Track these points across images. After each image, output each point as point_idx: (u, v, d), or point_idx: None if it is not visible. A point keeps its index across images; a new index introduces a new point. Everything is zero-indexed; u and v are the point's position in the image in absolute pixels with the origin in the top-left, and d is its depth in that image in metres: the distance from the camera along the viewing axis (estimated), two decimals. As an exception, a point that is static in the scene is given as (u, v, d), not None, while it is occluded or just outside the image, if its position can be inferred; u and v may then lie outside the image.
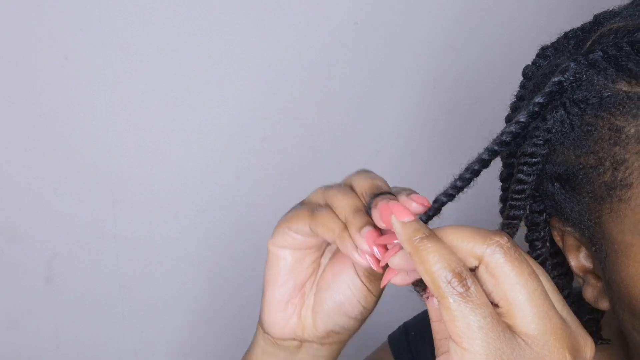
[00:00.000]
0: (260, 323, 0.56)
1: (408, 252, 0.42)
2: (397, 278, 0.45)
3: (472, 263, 0.41)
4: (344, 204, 0.49)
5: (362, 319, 0.54)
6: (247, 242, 0.98)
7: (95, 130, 0.88)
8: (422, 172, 0.99)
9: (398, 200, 0.46)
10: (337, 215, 0.49)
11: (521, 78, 0.57)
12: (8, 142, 0.86)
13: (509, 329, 0.40)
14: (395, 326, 0.74)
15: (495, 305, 0.41)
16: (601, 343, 0.56)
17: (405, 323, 0.72)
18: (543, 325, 0.40)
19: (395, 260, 0.44)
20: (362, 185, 0.49)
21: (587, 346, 0.42)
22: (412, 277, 0.45)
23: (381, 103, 0.98)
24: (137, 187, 0.91)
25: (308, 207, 0.51)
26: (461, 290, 0.39)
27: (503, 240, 0.41)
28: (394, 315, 0.76)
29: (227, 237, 0.97)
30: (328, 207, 0.50)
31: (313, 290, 0.55)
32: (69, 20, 0.84)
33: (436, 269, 0.40)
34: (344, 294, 0.53)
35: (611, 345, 0.57)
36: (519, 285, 0.40)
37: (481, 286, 0.41)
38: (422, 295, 0.45)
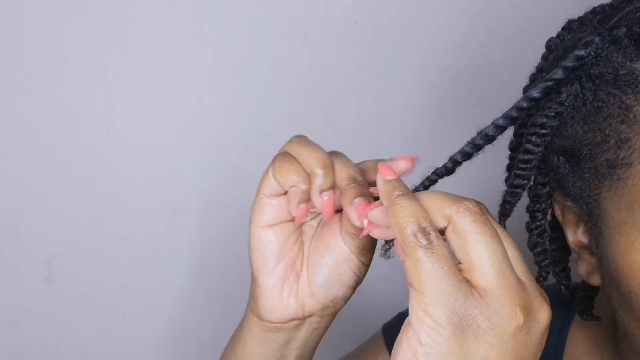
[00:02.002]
0: (253, 312, 0.58)
1: (385, 206, 0.45)
2: (376, 231, 0.49)
3: (442, 223, 0.44)
4: (312, 155, 0.53)
5: (356, 287, 0.57)
6: (248, 242, 0.98)
7: (95, 130, 0.88)
8: (422, 172, 0.99)
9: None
10: (297, 163, 0.53)
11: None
12: (8, 142, 0.86)
13: (467, 282, 0.43)
14: (390, 317, 0.75)
15: (458, 262, 0.44)
16: (591, 319, 0.58)
17: (399, 313, 0.75)
18: (498, 282, 0.42)
19: (373, 214, 0.48)
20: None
21: (543, 311, 0.44)
22: (390, 234, 0.48)
23: (381, 103, 0.98)
24: (137, 187, 0.91)
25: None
26: (424, 242, 0.43)
27: (472, 204, 0.44)
28: (390, 307, 0.77)
29: (228, 237, 0.97)
30: (288, 154, 0.54)
31: (305, 267, 0.56)
32: (69, 20, 0.84)
33: (404, 221, 0.43)
34: (340, 266, 0.55)
35: (603, 323, 0.59)
36: (480, 244, 0.43)
37: (448, 244, 0.44)
38: (389, 251, 0.50)
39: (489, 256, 0.42)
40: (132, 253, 0.93)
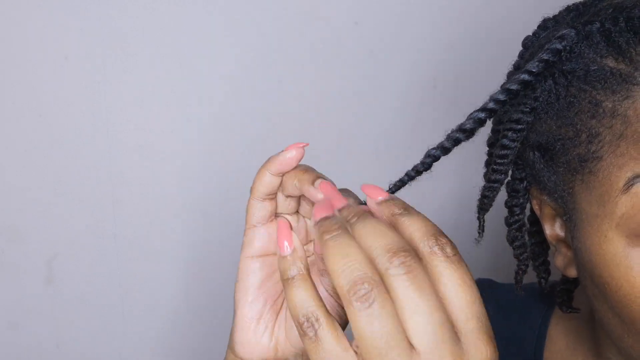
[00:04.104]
0: (230, 346, 0.55)
1: (320, 245, 0.43)
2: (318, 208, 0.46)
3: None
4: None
5: None
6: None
7: (95, 130, 0.88)
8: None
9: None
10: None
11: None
12: (8, 142, 0.86)
13: (407, 340, 0.39)
14: None
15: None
16: (570, 312, 0.60)
17: None
18: (429, 349, 0.39)
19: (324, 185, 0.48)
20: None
21: (483, 354, 0.40)
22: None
23: (381, 103, 0.98)
24: (137, 187, 0.91)
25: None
26: (365, 304, 0.39)
27: (407, 258, 0.39)
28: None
29: (228, 237, 0.97)
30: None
31: (285, 308, 0.54)
32: (69, 20, 0.84)
33: (343, 279, 0.40)
34: None
35: (581, 317, 0.61)
36: (417, 310, 0.39)
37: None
38: None
39: (425, 322, 0.39)
40: (132, 253, 0.93)
